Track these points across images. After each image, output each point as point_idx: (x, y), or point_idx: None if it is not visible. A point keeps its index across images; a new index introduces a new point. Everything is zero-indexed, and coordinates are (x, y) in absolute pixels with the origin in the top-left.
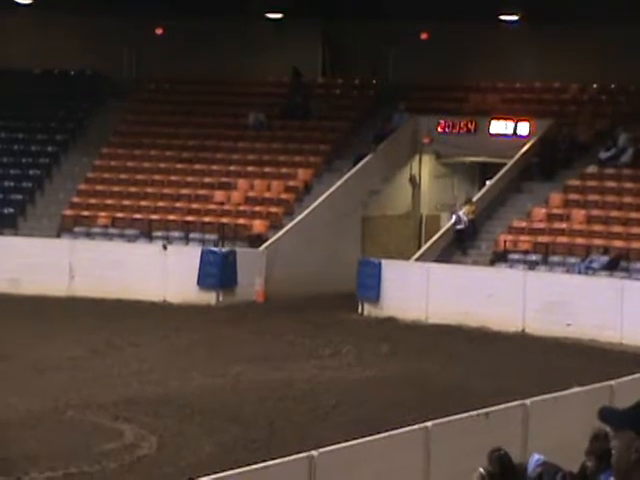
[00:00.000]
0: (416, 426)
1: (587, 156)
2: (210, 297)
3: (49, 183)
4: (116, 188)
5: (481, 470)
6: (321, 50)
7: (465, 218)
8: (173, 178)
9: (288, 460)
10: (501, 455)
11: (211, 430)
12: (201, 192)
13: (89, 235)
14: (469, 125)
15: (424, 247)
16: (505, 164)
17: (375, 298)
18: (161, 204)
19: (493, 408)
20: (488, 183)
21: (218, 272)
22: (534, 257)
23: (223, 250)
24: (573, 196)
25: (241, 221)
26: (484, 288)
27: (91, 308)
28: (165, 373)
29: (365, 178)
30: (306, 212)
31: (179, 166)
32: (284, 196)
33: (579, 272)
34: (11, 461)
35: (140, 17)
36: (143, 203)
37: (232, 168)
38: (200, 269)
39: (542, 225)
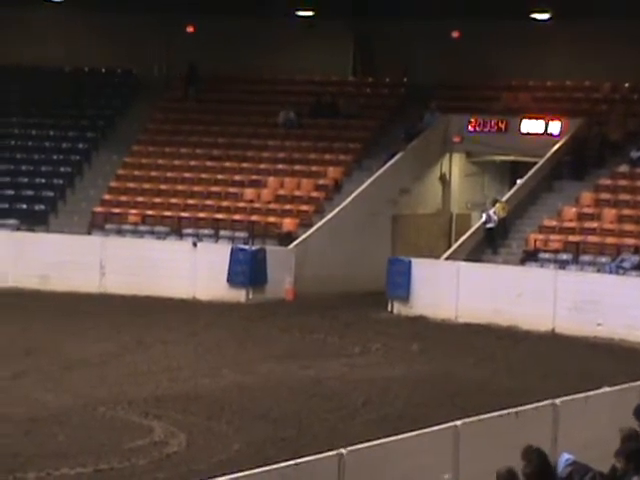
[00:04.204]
0: (445, 425)
1: (618, 155)
2: (240, 295)
3: (80, 180)
4: (147, 185)
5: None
6: (352, 48)
7: (495, 217)
8: (203, 176)
9: (317, 458)
10: (542, 451)
11: (240, 427)
12: (231, 190)
13: (120, 232)
14: (500, 124)
15: (454, 246)
16: (536, 163)
17: (405, 297)
18: (191, 202)
19: (523, 407)
20: (518, 182)
21: (248, 270)
22: (565, 256)
23: (253, 248)
24: (604, 195)
25: (271, 219)
26: (514, 287)
27: (121, 305)
28: (194, 370)
29: (395, 177)
30: (336, 210)
31: (209, 164)
32: (314, 194)
33: (610, 271)
34: (42, 457)
35: (171, 15)
36: (173, 201)
37: (262, 166)
38: (230, 267)
39: (573, 224)
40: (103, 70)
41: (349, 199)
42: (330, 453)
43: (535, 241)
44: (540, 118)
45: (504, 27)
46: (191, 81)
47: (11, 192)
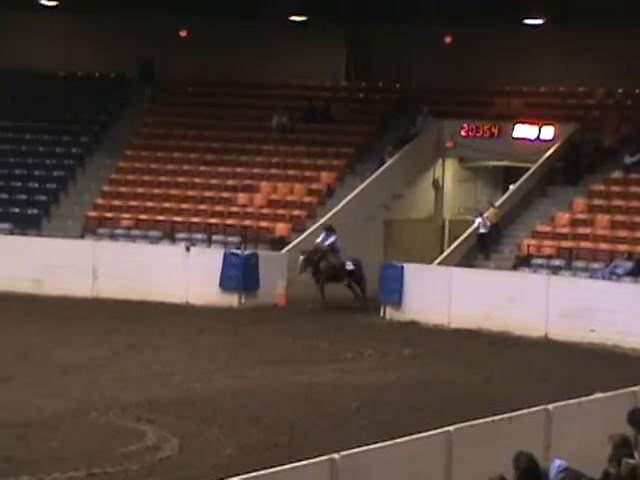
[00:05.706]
0: (438, 430)
1: (612, 161)
2: (232, 299)
3: (73, 184)
4: (140, 190)
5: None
6: (345, 53)
7: (488, 222)
8: (197, 180)
9: (309, 463)
10: (530, 457)
11: (232, 432)
12: (224, 194)
13: (112, 236)
14: (493, 129)
15: (447, 251)
16: (529, 168)
17: (397, 302)
18: (184, 206)
19: (516, 413)
20: (511, 187)
21: (240, 275)
22: (557, 262)
23: (245, 253)
24: (597, 201)
25: (264, 224)
26: (507, 293)
27: (114, 309)
28: (187, 375)
29: (388, 182)
30: (329, 215)
31: (203, 168)
32: (307, 199)
33: (603, 277)
34: (34, 461)
35: (164, 19)
36: (166, 205)
37: (255, 171)
38: (222, 271)
39: (566, 230)
40: (97, 74)
41: (342, 204)
42: (322, 458)
43: (528, 247)
44: (533, 124)
45: (497, 32)
46: (147, 82)
47: (4, 196)
